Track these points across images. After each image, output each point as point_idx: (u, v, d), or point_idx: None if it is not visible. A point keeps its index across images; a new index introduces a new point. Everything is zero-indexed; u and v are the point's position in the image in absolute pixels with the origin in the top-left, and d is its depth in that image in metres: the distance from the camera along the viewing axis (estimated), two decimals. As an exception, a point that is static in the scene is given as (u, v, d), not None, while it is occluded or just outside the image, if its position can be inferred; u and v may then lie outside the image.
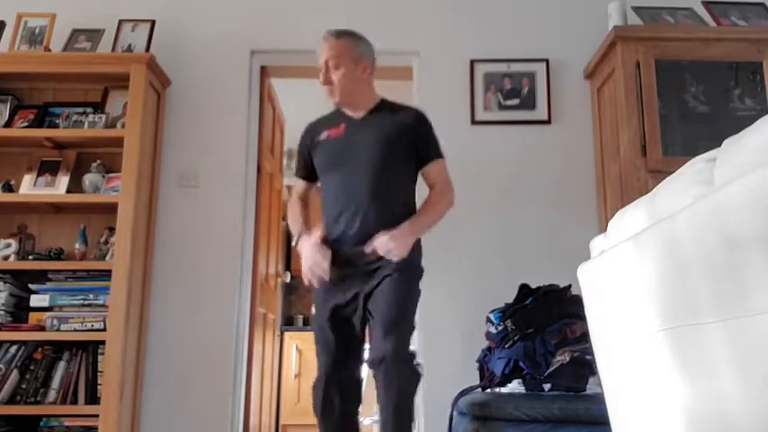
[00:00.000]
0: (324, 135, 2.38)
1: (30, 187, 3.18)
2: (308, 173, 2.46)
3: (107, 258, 3.09)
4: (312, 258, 2.22)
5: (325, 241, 2.27)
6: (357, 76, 2.36)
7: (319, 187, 2.46)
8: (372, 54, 2.43)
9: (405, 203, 2.34)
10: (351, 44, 2.36)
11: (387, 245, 2.15)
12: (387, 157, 2.28)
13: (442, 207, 2.37)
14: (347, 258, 2.23)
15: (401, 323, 2.14)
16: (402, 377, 2.07)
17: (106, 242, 3.16)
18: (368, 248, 2.17)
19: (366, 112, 2.38)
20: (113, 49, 3.32)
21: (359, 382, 2.26)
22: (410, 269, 2.25)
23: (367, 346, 2.26)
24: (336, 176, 2.31)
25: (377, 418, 3.21)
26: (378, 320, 2.13)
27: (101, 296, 3.00)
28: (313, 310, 2.32)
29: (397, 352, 2.06)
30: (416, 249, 2.30)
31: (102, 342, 2.91)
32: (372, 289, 2.20)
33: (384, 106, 2.42)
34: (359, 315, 2.22)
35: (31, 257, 3.10)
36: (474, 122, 3.43)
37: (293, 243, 2.37)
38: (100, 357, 2.94)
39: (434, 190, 2.39)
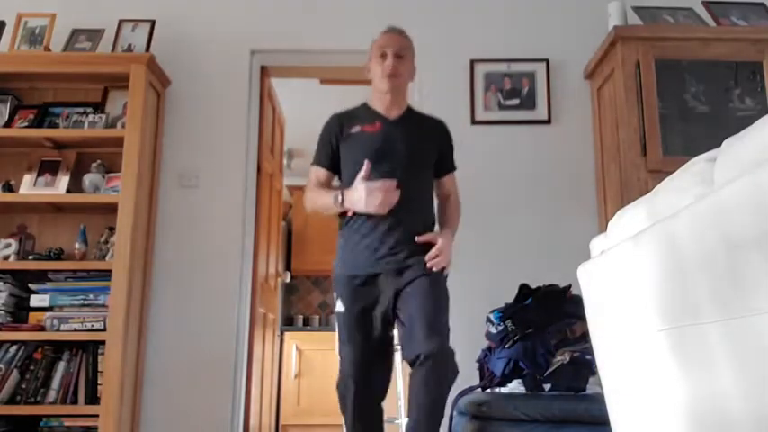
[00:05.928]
0: (356, 128, 2.35)
1: (30, 187, 3.18)
2: (331, 162, 2.39)
3: (107, 258, 3.09)
4: (374, 189, 2.16)
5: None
6: (410, 77, 2.45)
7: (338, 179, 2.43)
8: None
9: (431, 207, 2.40)
10: (413, 48, 2.46)
11: (444, 249, 2.20)
12: (420, 161, 2.34)
13: (459, 220, 2.47)
14: (374, 258, 2.22)
15: (444, 321, 2.16)
16: (449, 373, 2.08)
17: (106, 242, 3.16)
18: (423, 240, 2.21)
19: (399, 115, 2.40)
20: (113, 49, 3.32)
21: (386, 381, 2.23)
22: (439, 271, 2.27)
23: (397, 344, 2.27)
24: (372, 172, 2.24)
25: (403, 421, 3.20)
26: (419, 319, 2.10)
27: (101, 296, 2.99)
28: (338, 306, 2.26)
29: (444, 348, 2.06)
30: None
31: (102, 342, 2.91)
32: (401, 287, 2.19)
33: (412, 113, 2.47)
34: (384, 314, 2.20)
35: (31, 257, 3.10)
36: (474, 122, 3.43)
37: (337, 204, 2.24)
38: (100, 357, 2.94)
39: (451, 201, 2.47)
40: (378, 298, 2.21)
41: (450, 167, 2.47)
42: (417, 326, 2.09)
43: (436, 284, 2.20)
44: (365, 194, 2.16)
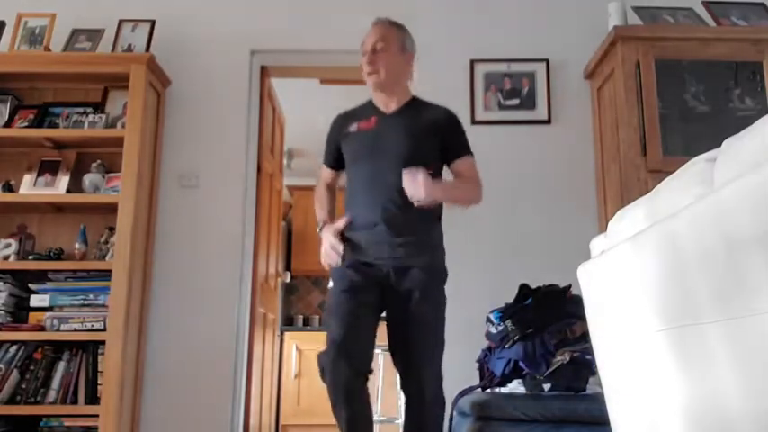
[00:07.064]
0: (354, 127, 2.37)
1: (30, 187, 3.18)
2: (336, 162, 2.45)
3: (107, 258, 3.09)
4: (330, 245, 2.25)
5: (343, 236, 2.27)
6: (401, 65, 2.39)
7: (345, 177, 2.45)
8: (415, 50, 2.46)
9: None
10: (399, 33, 2.41)
11: (417, 181, 2.11)
12: (416, 152, 2.28)
13: (471, 194, 2.36)
14: (372, 250, 2.23)
15: (437, 348, 2.20)
16: (436, 415, 2.19)
17: (106, 242, 3.16)
18: (405, 176, 2.13)
19: (398, 107, 2.38)
20: (113, 49, 3.32)
21: (369, 356, 2.22)
22: (437, 276, 2.27)
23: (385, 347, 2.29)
24: (366, 168, 2.29)
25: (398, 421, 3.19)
26: (414, 348, 2.17)
27: (101, 296, 2.99)
28: (330, 284, 2.31)
29: (435, 393, 2.17)
30: (442, 251, 2.33)
31: (102, 342, 2.91)
32: (397, 294, 2.20)
33: (416, 103, 2.44)
34: (375, 300, 2.22)
35: (31, 257, 3.10)
36: (474, 122, 3.43)
37: (317, 229, 2.38)
38: (100, 357, 2.94)
39: (465, 178, 2.37)
40: (370, 280, 2.21)
41: (461, 152, 2.38)
42: (410, 355, 2.18)
43: (433, 304, 2.21)
44: (323, 249, 2.27)
